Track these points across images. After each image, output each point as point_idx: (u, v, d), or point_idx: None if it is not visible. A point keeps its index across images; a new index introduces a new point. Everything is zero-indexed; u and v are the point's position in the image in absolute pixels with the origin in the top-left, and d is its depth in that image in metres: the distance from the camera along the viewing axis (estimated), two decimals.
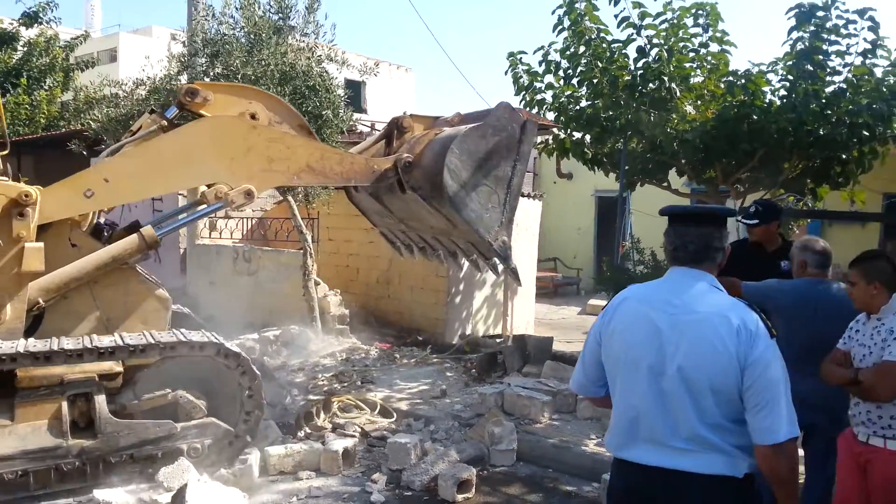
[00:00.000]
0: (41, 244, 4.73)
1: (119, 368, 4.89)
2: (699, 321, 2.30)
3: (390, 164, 5.42)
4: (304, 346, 8.38)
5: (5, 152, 5.52)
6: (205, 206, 5.28)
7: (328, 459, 5.23)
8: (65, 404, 4.53)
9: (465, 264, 9.07)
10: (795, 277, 4.04)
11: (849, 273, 3.34)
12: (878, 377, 3.11)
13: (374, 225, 6.94)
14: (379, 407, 6.50)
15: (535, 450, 5.59)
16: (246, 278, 10.38)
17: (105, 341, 4.63)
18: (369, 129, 16.28)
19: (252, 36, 10.26)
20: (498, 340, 8.62)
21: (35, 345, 4.49)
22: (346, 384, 7.25)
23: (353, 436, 5.74)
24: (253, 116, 5.29)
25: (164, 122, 5.38)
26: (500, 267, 5.71)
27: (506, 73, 7.72)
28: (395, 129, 5.94)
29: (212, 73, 10.49)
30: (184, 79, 10.87)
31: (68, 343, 4.53)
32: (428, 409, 6.55)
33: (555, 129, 7.96)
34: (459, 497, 4.83)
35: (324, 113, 9.45)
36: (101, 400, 4.61)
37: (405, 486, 5.02)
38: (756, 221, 4.76)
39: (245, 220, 12.49)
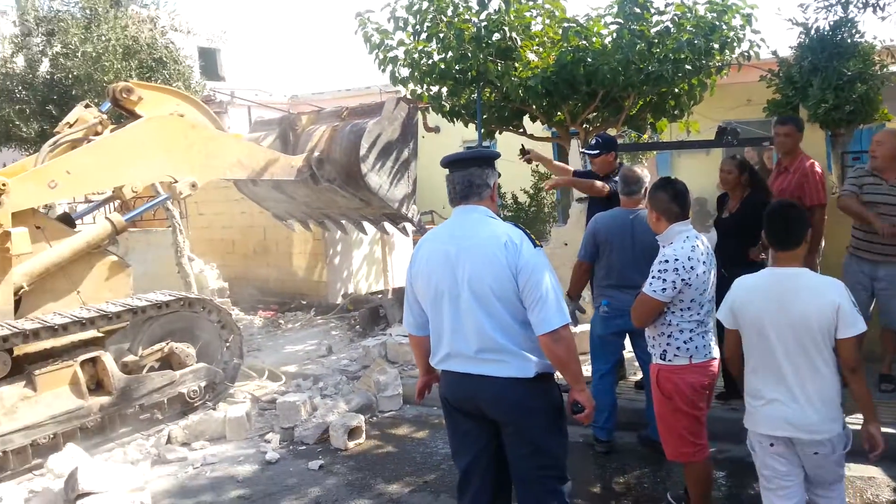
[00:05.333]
0: (25, 228, 5.06)
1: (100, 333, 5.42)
2: (478, 244, 2.75)
3: (303, 161, 6.54)
4: None
5: None
6: (158, 195, 6.45)
7: (230, 426, 5.34)
8: (78, 369, 5.04)
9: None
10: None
11: None
12: (635, 305, 3.37)
13: (266, 209, 8.14)
14: (267, 372, 6.65)
15: None
16: None
17: (116, 307, 5.28)
18: (230, 98, 15.78)
19: (88, 11, 9.77)
20: (379, 296, 8.86)
21: (62, 317, 5.01)
22: None
23: (244, 402, 5.86)
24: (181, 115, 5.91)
25: (104, 117, 5.77)
26: (410, 228, 7.32)
27: (355, 32, 7.79)
28: (290, 129, 7.22)
29: (50, 53, 9.95)
30: (20, 60, 10.24)
31: (88, 312, 5.10)
32: (316, 368, 6.76)
33: (427, 106, 8.19)
34: (351, 444, 5.10)
35: (175, 85, 9.23)
36: (109, 360, 5.20)
37: (299, 442, 5.22)
38: (597, 152, 5.34)
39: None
